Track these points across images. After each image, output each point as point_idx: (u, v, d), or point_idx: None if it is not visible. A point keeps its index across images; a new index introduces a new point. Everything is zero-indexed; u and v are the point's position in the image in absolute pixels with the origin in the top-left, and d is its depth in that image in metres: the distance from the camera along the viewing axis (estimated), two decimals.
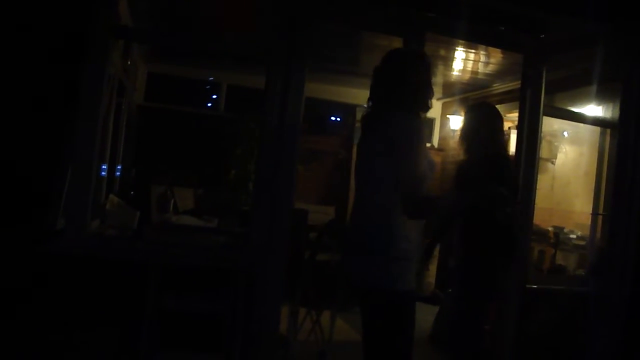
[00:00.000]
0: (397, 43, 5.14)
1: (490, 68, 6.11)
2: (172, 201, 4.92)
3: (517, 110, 4.39)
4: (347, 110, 7.50)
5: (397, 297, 2.43)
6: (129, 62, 5.22)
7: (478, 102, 4.37)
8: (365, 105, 2.70)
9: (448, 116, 7.51)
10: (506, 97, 6.52)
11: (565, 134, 6.61)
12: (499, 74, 6.27)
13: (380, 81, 2.62)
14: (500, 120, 3.62)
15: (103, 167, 4.51)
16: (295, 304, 4.44)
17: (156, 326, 3.30)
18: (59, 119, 3.31)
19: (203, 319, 3.42)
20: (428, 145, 7.46)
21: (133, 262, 3.37)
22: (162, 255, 3.39)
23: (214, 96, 6.95)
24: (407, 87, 2.54)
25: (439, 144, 7.91)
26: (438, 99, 7.73)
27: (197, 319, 3.41)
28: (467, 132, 3.59)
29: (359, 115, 7.45)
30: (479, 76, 6.51)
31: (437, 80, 6.74)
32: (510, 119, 7.44)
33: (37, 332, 3.18)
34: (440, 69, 6.28)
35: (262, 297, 3.51)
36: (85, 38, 3.31)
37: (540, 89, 4.17)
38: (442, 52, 5.67)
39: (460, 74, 6.51)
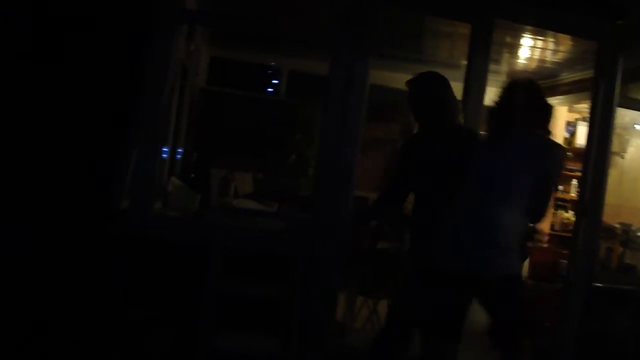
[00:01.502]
0: (462, 29, 5.01)
1: (559, 56, 5.87)
2: (232, 185, 4.95)
3: (587, 101, 4.21)
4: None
5: (520, 279, 3.16)
6: (192, 47, 5.25)
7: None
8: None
9: None
10: (574, 87, 6.29)
11: (637, 126, 6.33)
12: (569, 63, 6.02)
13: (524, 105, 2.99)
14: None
15: (164, 149, 4.56)
16: (353, 292, 4.41)
17: (216, 307, 3.33)
18: (125, 101, 3.36)
19: (262, 302, 3.43)
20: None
21: (194, 244, 3.41)
22: (222, 238, 3.41)
23: (275, 81, 6.95)
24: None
25: None
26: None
27: (255, 302, 3.42)
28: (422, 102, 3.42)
29: None
30: (547, 65, 6.27)
31: (501, 68, 6.55)
32: (578, 111, 7.19)
33: (99, 311, 3.25)
34: (505, 57, 6.09)
35: (320, 284, 3.50)
36: (151, 21, 3.34)
37: (615, 79, 3.98)
38: (508, 39, 5.48)
39: (526, 62, 6.30)
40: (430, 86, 3.37)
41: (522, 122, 2.97)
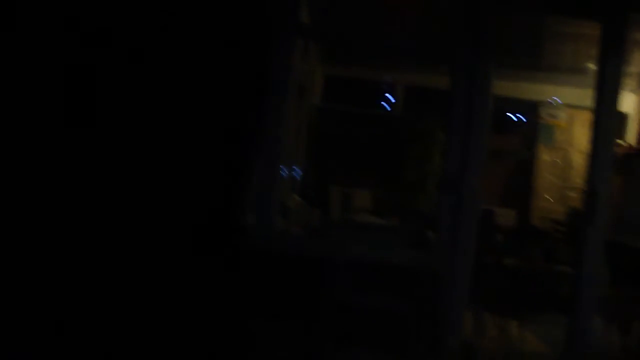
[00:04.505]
0: (586, 29, 4.72)
1: None
2: (351, 201, 4.94)
3: None
4: (529, 107, 7.09)
5: None
6: (307, 66, 5.33)
7: None
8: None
9: None
10: None
11: None
12: None
13: None
14: None
15: (284, 167, 4.63)
16: (481, 309, 4.22)
17: (339, 321, 3.30)
18: (247, 119, 3.42)
19: (386, 317, 3.36)
20: (620, 142, 6.79)
21: (316, 258, 3.40)
22: (345, 252, 3.38)
23: (391, 97, 6.92)
24: None
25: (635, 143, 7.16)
26: (631, 91, 7.01)
27: (379, 317, 3.35)
28: None
29: (542, 113, 7.08)
30: None
31: (632, 70, 6.11)
32: None
33: (225, 320, 3.31)
34: (636, 57, 5.68)
35: (447, 300, 3.38)
36: (271, 38, 3.40)
37: None
38: (639, 37, 5.10)
39: None
40: None
41: None
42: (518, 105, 7.18)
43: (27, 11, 3.08)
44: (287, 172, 4.82)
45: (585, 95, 4.16)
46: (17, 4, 3.07)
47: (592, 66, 4.64)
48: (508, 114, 7.30)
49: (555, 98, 6.91)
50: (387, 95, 6.97)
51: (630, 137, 7.26)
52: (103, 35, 3.17)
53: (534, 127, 6.99)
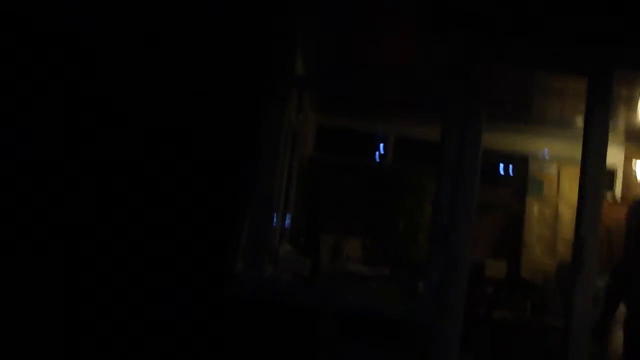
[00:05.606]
0: (574, 84, 4.81)
1: None
2: (342, 249, 4.94)
3: None
4: (519, 160, 7.17)
5: None
6: (301, 116, 5.40)
7: None
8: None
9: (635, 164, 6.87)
10: None
11: None
12: None
13: None
14: None
15: (275, 215, 4.63)
16: None
17: None
18: (240, 166, 3.45)
19: None
20: (609, 198, 6.85)
21: (306, 308, 3.37)
22: (335, 302, 3.36)
23: (382, 148, 6.99)
24: None
25: (621, 196, 7.23)
26: (618, 145, 7.10)
27: None
28: None
29: (532, 166, 7.14)
30: None
31: (618, 125, 6.22)
32: None
33: None
34: (622, 111, 5.78)
35: (436, 352, 3.34)
36: (265, 88, 3.46)
37: None
38: (624, 92, 5.20)
39: None
40: None
41: None
42: (508, 158, 7.26)
43: None
44: (277, 220, 4.82)
45: (574, 149, 4.21)
46: None
47: (579, 120, 4.71)
48: (498, 166, 7.38)
49: (544, 151, 7.00)
50: (378, 145, 7.05)
51: (618, 191, 7.33)
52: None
53: (524, 180, 7.05)
